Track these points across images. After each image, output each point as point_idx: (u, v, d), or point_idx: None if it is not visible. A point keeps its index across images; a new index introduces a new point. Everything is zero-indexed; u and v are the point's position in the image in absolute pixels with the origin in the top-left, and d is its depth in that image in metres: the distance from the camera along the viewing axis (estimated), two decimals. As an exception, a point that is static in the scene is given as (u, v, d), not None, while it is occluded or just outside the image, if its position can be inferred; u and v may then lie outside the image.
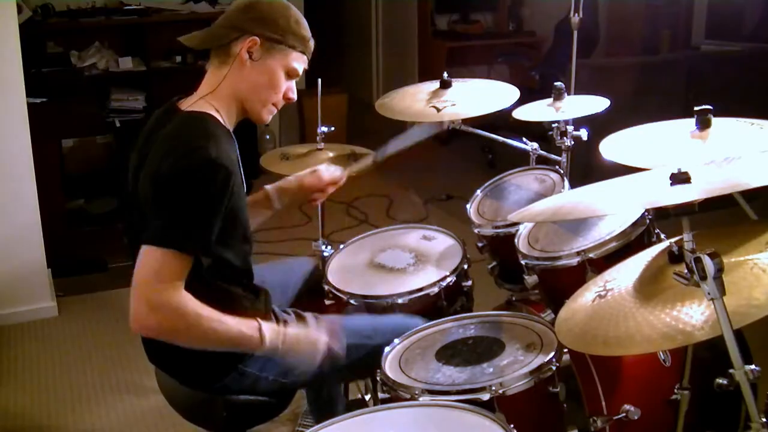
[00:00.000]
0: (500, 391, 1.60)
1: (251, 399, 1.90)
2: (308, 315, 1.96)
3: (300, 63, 1.85)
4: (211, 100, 1.81)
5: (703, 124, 1.78)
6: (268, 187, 2.14)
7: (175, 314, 1.65)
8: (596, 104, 2.30)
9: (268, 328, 1.75)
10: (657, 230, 1.94)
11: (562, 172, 2.39)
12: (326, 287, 2.18)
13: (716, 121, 1.79)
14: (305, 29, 1.85)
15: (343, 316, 2.07)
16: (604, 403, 1.84)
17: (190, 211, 1.66)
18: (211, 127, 1.75)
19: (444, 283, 2.13)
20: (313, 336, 1.83)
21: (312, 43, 1.87)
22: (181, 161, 1.66)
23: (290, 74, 1.85)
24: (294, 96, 1.88)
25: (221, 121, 1.80)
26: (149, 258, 1.64)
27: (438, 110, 2.32)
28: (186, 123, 1.76)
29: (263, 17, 1.78)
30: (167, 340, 1.72)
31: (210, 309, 1.69)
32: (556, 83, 2.36)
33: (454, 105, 2.32)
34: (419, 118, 2.34)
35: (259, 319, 1.75)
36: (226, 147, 1.73)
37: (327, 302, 2.17)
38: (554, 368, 1.68)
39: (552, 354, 1.69)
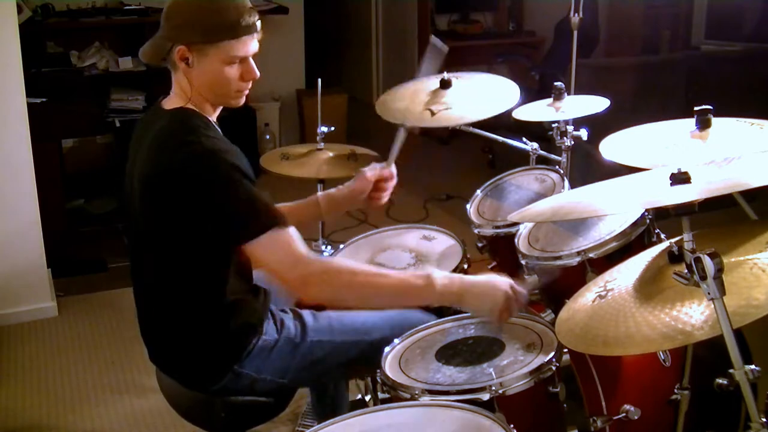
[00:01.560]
0: (500, 391, 1.60)
1: (250, 400, 1.90)
2: (306, 313, 1.96)
3: (239, 48, 1.75)
4: (186, 100, 1.82)
5: (703, 124, 1.78)
6: (319, 194, 2.18)
7: (329, 276, 1.71)
8: (596, 104, 2.30)
9: (441, 274, 1.75)
10: (657, 230, 1.94)
11: (562, 172, 2.39)
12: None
13: (716, 121, 1.79)
14: (232, 11, 1.73)
15: (341, 312, 2.06)
16: (604, 403, 1.84)
17: (250, 196, 1.69)
18: (197, 121, 1.78)
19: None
20: (494, 279, 1.77)
21: (248, 19, 1.74)
22: (186, 155, 1.69)
23: (233, 62, 1.77)
24: (254, 75, 1.81)
25: (203, 114, 1.82)
26: (265, 250, 1.69)
27: (433, 114, 2.32)
28: (174, 121, 1.79)
29: (183, 22, 1.75)
30: (340, 303, 1.79)
31: (366, 265, 1.77)
32: (556, 83, 2.36)
33: (449, 109, 2.32)
34: (415, 122, 2.33)
35: (431, 269, 1.76)
36: (216, 135, 1.78)
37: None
38: (554, 368, 1.67)
39: (552, 354, 1.69)
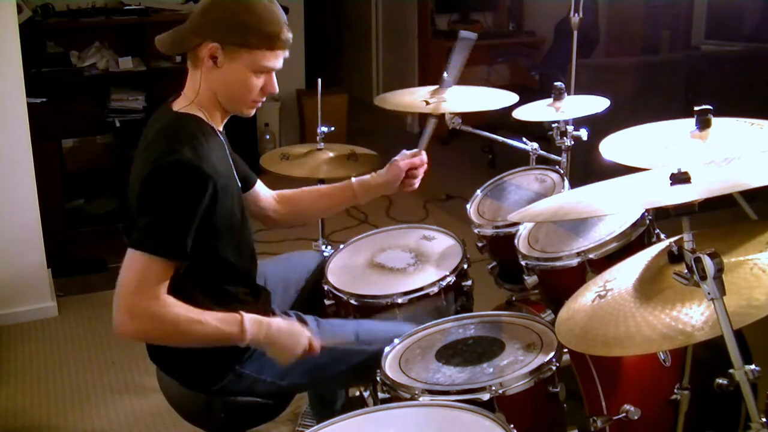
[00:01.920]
0: (500, 391, 1.60)
1: (250, 400, 1.90)
2: (310, 318, 1.96)
3: (271, 59, 1.78)
4: (196, 101, 1.81)
5: (703, 124, 1.78)
6: (353, 179, 2.19)
7: (152, 322, 1.65)
8: (596, 104, 2.30)
9: (250, 321, 1.74)
10: (657, 230, 1.94)
11: (562, 172, 2.39)
12: (326, 287, 2.18)
13: (716, 121, 1.79)
14: (274, 23, 1.76)
15: (344, 321, 2.07)
16: (604, 403, 1.84)
17: (164, 215, 1.66)
18: (193, 128, 1.75)
19: (444, 283, 2.13)
20: (297, 330, 1.82)
21: (286, 35, 1.78)
22: (156, 163, 1.66)
23: (261, 72, 1.78)
24: (274, 89, 1.82)
25: (207, 121, 1.80)
26: (131, 262, 1.65)
27: (427, 103, 2.33)
28: (169, 125, 1.77)
29: (222, 20, 1.73)
30: (149, 342, 1.80)
31: (190, 310, 1.68)
32: (556, 83, 2.36)
33: (444, 102, 2.33)
34: (411, 110, 2.36)
35: (242, 313, 1.75)
36: (207, 149, 1.73)
37: (327, 302, 2.17)
38: (554, 368, 1.68)
39: (552, 354, 1.69)
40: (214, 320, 1.71)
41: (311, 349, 1.83)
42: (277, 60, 1.79)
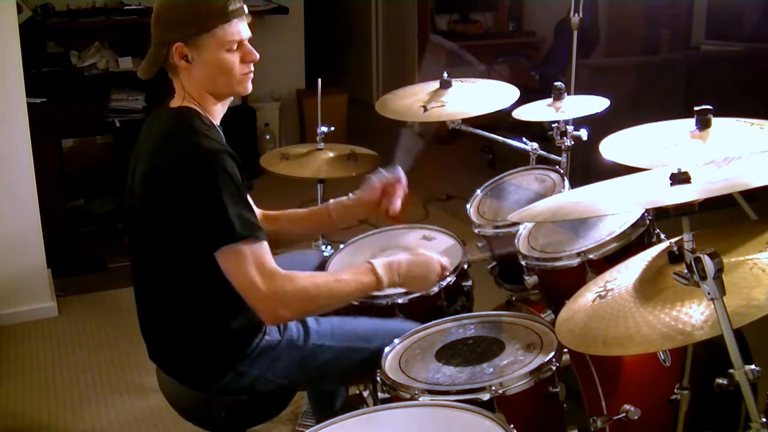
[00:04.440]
0: (500, 391, 1.60)
1: (250, 399, 1.89)
2: (310, 319, 1.96)
3: (233, 30, 1.78)
4: (190, 100, 1.82)
5: (703, 124, 1.78)
6: (330, 202, 2.18)
7: (298, 296, 1.71)
8: (596, 104, 2.30)
9: (382, 267, 1.81)
10: (657, 230, 1.94)
11: (562, 172, 2.39)
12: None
13: (716, 121, 1.79)
14: None
15: (344, 319, 2.07)
16: (604, 403, 1.84)
17: (233, 201, 1.68)
18: (198, 121, 1.77)
19: (444, 283, 2.13)
20: (424, 259, 1.89)
21: (235, 3, 1.77)
22: (194, 158, 1.69)
23: (232, 47, 1.79)
24: (254, 56, 1.83)
25: (205, 116, 1.82)
26: (236, 258, 1.67)
27: (426, 109, 2.33)
28: (176, 121, 1.79)
29: (172, 21, 1.76)
30: (306, 317, 1.84)
31: (317, 275, 1.79)
32: (556, 83, 2.36)
33: (443, 106, 2.32)
34: (411, 118, 2.35)
35: (371, 261, 1.81)
36: (216, 137, 1.77)
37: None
38: (554, 368, 1.67)
39: (552, 354, 1.69)
40: (349, 275, 1.79)
41: (443, 272, 1.91)
42: (237, 29, 1.78)
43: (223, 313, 1.81)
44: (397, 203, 2.15)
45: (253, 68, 1.85)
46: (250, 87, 1.86)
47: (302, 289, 1.73)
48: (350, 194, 2.18)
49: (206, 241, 1.69)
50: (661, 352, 1.81)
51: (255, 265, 1.67)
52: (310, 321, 1.94)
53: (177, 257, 1.79)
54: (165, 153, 1.74)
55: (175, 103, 1.85)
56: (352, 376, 2.17)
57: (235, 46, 1.79)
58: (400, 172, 2.15)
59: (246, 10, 1.82)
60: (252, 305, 1.70)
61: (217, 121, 1.87)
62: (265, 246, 1.71)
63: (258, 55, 1.83)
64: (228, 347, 1.83)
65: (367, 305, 2.10)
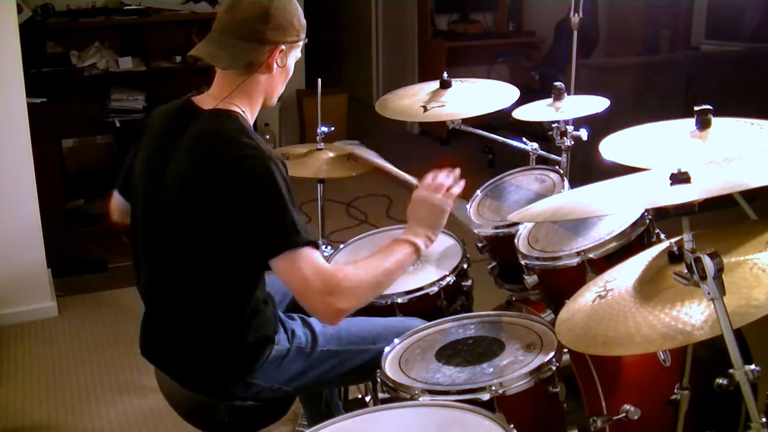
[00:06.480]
0: (500, 391, 1.60)
1: (254, 405, 1.88)
2: (312, 319, 1.94)
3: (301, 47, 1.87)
4: (233, 99, 1.79)
5: (703, 124, 1.78)
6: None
7: (354, 291, 1.71)
8: (596, 104, 2.30)
9: (415, 237, 1.84)
10: (657, 230, 1.94)
11: (562, 172, 2.39)
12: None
13: (716, 121, 1.79)
14: (301, 13, 1.84)
15: (351, 319, 2.06)
16: (604, 403, 1.84)
17: (290, 209, 1.68)
18: (248, 125, 1.78)
19: (444, 283, 2.13)
20: (438, 204, 1.90)
21: None
22: (254, 164, 1.67)
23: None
24: None
25: (247, 118, 1.81)
26: (296, 263, 1.66)
27: (426, 109, 2.33)
28: (226, 123, 1.75)
29: (283, 24, 1.76)
30: (362, 305, 1.81)
31: (364, 262, 1.78)
32: (556, 83, 2.36)
33: (443, 106, 2.32)
34: (411, 118, 2.36)
35: (399, 237, 1.84)
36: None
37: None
38: (554, 368, 1.67)
39: (552, 354, 1.69)
40: (388, 252, 1.79)
41: (449, 195, 1.92)
42: None
43: (239, 326, 1.79)
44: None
45: None
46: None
47: (356, 283, 1.72)
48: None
49: (268, 246, 1.67)
50: (661, 352, 1.81)
51: (311, 267, 1.67)
52: (316, 325, 1.93)
53: (209, 262, 1.74)
54: (224, 156, 1.69)
55: (207, 103, 1.79)
56: (355, 377, 2.17)
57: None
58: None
59: None
60: (309, 306, 1.70)
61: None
62: (316, 252, 1.71)
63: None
64: (240, 360, 1.81)
65: (367, 305, 2.10)
